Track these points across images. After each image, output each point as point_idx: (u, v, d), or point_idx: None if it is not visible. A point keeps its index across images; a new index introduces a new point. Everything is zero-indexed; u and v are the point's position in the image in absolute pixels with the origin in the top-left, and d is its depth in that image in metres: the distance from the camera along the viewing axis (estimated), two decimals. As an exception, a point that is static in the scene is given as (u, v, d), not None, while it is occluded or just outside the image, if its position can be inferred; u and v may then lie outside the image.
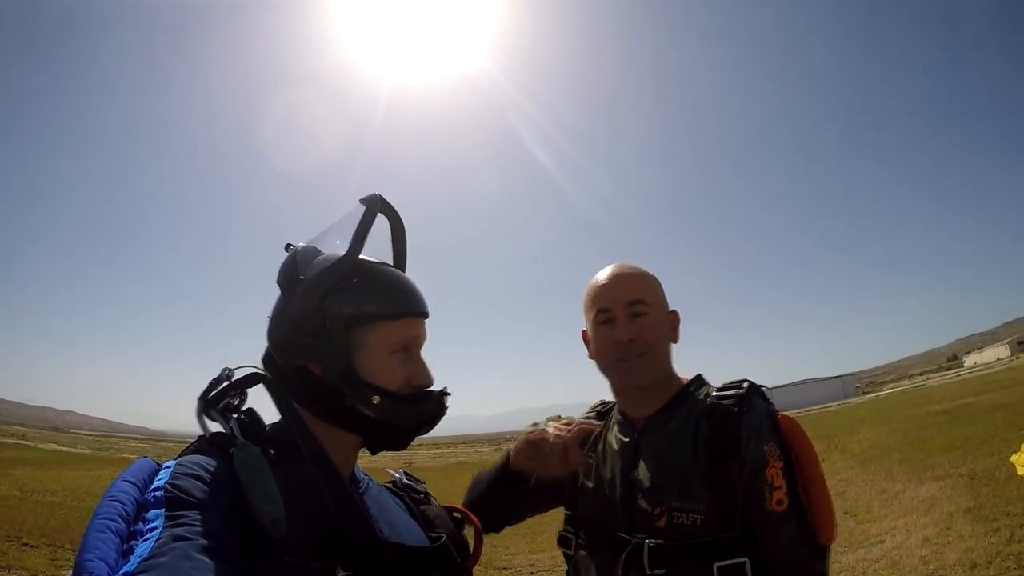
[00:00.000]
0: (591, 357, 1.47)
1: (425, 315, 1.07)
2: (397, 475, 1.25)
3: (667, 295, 1.48)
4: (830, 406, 50.15)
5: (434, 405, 1.06)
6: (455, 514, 1.22)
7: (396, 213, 1.15)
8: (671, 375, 1.44)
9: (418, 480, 1.27)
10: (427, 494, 1.24)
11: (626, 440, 1.39)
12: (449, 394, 1.09)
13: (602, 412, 1.56)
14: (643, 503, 1.28)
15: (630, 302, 1.37)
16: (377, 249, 1.12)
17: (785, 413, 1.32)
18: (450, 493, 1.24)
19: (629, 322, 1.36)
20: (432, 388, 1.06)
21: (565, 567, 1.48)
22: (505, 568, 7.80)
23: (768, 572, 1.19)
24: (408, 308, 1.04)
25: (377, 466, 1.32)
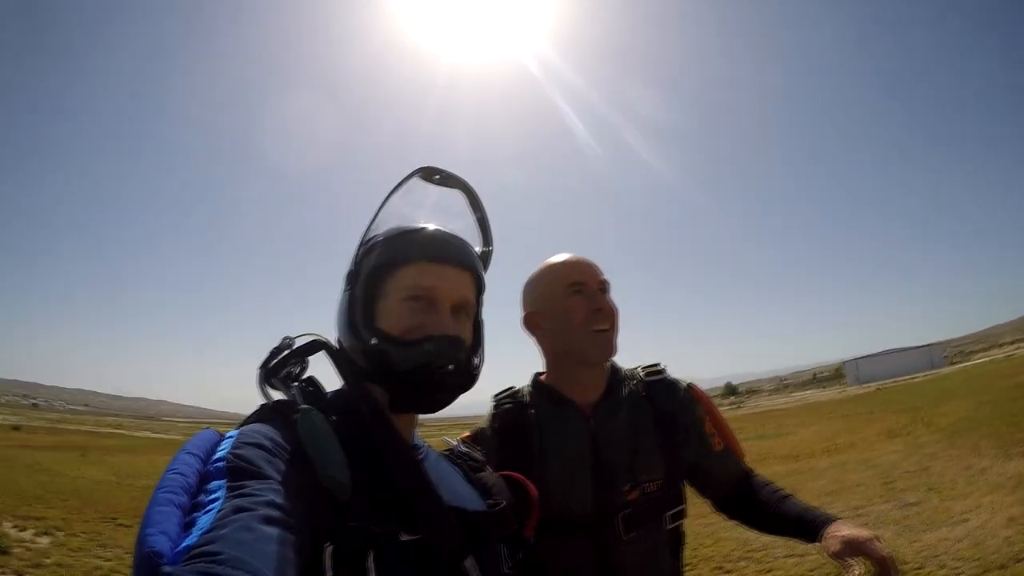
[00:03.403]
0: (543, 342, 1.51)
1: (448, 263, 1.01)
2: (455, 444, 1.25)
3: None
4: (916, 377, 48.02)
5: (432, 348, 0.95)
6: (510, 481, 1.19)
7: (461, 181, 1.15)
8: None
9: (475, 447, 1.27)
10: (483, 462, 1.21)
11: (577, 429, 1.45)
12: (462, 343, 0.99)
13: (525, 404, 1.51)
14: (614, 484, 1.41)
15: (601, 280, 1.49)
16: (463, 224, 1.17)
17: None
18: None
19: (601, 295, 1.48)
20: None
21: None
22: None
23: (719, 486, 1.55)
24: (420, 253, 0.99)
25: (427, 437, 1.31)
